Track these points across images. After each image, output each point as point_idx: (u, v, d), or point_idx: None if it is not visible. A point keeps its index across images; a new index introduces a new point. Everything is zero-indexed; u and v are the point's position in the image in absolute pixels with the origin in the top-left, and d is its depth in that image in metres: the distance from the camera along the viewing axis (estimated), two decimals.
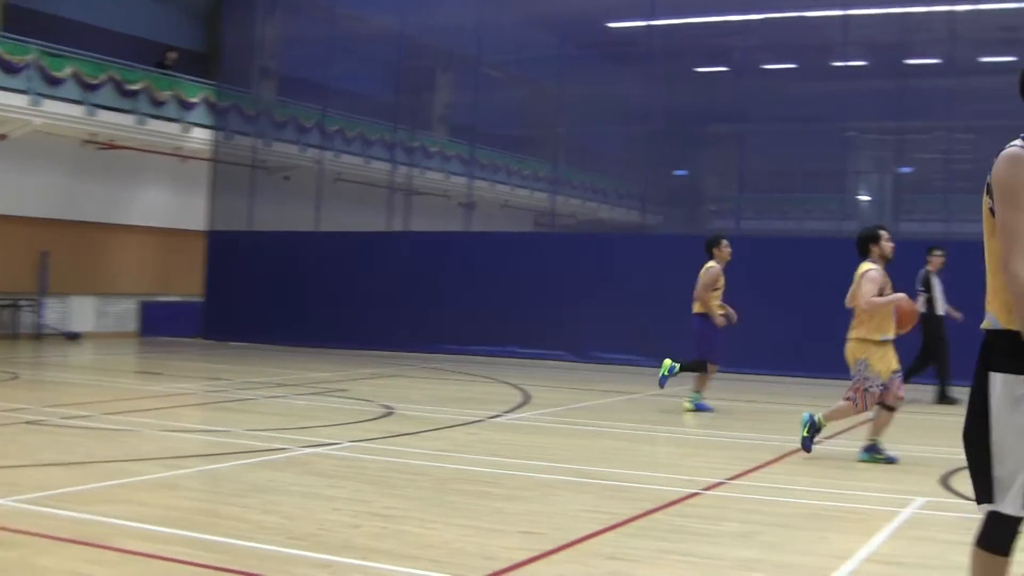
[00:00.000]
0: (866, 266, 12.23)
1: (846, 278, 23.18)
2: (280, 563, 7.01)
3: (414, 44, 33.54)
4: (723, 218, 31.53)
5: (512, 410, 16.32)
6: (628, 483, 10.27)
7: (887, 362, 12.04)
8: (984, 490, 4.92)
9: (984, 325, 4.88)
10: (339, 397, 17.47)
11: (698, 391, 17.07)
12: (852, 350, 12.16)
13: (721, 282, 16.82)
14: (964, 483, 10.80)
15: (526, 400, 17.84)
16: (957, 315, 18.61)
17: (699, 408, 16.91)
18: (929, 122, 28.12)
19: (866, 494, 10.18)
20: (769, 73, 30.97)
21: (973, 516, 9.36)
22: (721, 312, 16.86)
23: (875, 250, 12.29)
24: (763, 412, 17.78)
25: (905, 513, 9.28)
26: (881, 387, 12.00)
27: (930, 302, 18.83)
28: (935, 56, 28.73)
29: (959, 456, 12.14)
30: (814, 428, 12.17)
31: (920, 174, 29.95)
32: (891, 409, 12.20)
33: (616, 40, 33.07)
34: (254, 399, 17.17)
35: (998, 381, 4.73)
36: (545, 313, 26.19)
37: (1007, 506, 4.83)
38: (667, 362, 16.69)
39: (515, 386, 19.97)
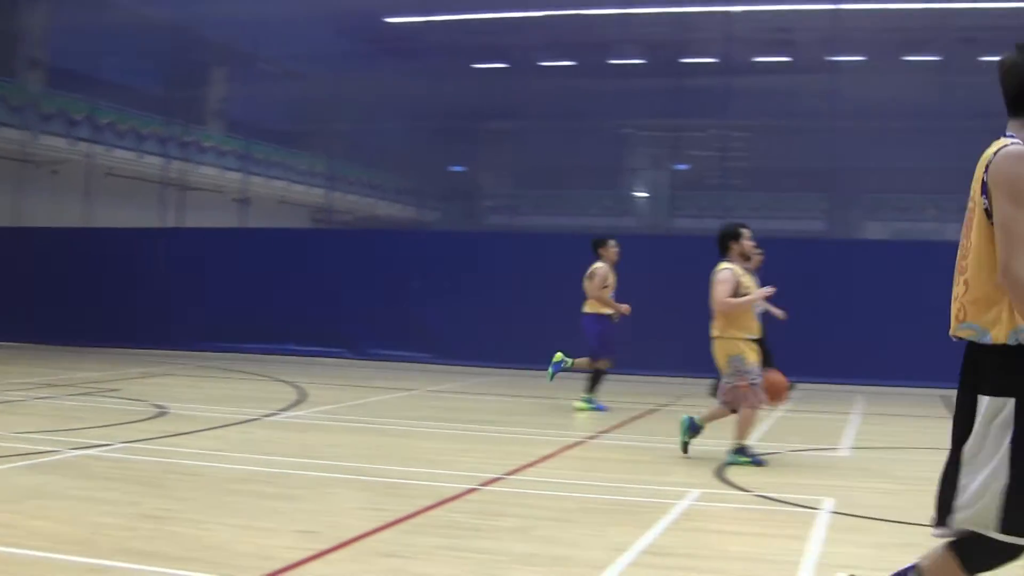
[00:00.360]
0: (721, 266, 12.08)
1: (624, 273, 23.57)
2: (51, 570, 6.75)
3: (188, 37, 32.94)
4: (499, 214, 31.73)
5: (288, 408, 16.12)
6: (405, 480, 10.20)
7: (756, 356, 11.98)
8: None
9: (965, 335, 4.61)
10: (110, 397, 17.01)
11: (570, 359, 17.28)
12: (723, 348, 11.93)
13: (610, 280, 17.13)
14: (738, 474, 11.02)
15: (302, 398, 17.64)
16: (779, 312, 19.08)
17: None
18: (704, 120, 28.69)
19: (643, 487, 10.27)
20: (547, 70, 31.27)
21: (747, 507, 9.58)
22: (613, 311, 17.17)
23: (735, 248, 12.15)
24: (539, 407, 17.87)
25: (681, 505, 9.38)
26: (759, 378, 11.90)
27: None
28: (711, 55, 29.31)
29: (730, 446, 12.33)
30: (743, 451, 11.83)
31: (695, 171, 30.56)
32: (735, 411, 12.08)
33: (394, 36, 32.99)
34: (22, 400, 16.61)
35: (984, 404, 4.48)
36: (322, 310, 25.93)
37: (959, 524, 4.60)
38: (580, 404, 17.18)
39: (291, 384, 19.74)
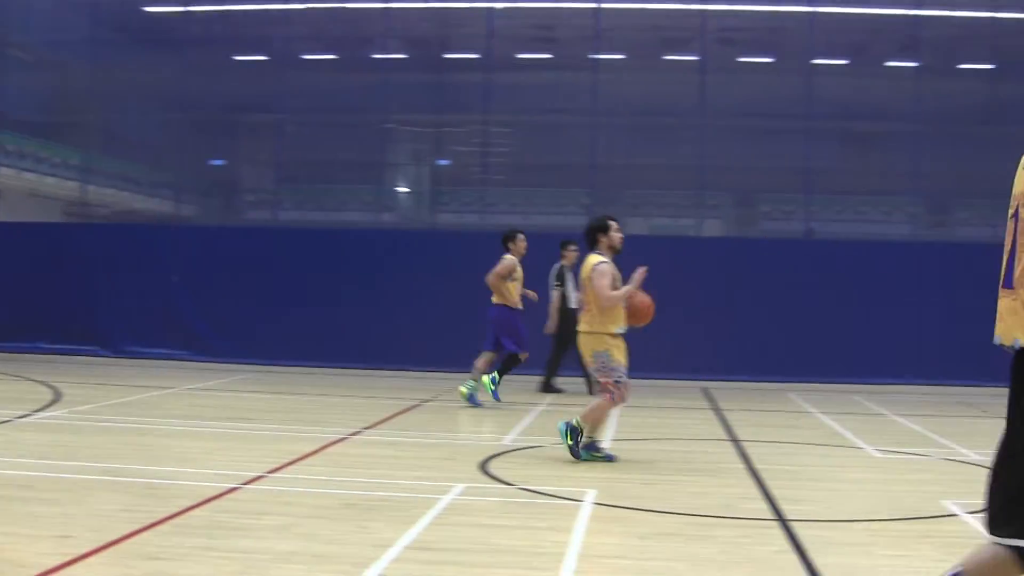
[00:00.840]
0: (595, 259, 12.01)
1: (384, 268, 23.57)
2: None
3: None
4: (260, 209, 31.39)
5: (42, 409, 15.66)
6: (166, 480, 10.00)
7: (623, 354, 11.95)
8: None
9: None
10: None
11: (476, 379, 17.58)
12: (589, 343, 11.90)
13: (518, 272, 17.60)
14: (501, 468, 11.10)
15: (57, 398, 17.15)
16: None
17: (472, 400, 17.42)
18: (466, 115, 28.87)
19: (407, 483, 10.26)
20: (308, 63, 31.04)
21: (511, 500, 9.64)
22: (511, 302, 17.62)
23: (604, 241, 12.10)
24: (302, 404, 17.75)
25: (446, 500, 9.39)
26: (625, 376, 11.87)
27: (564, 296, 19.38)
28: (473, 51, 29.48)
29: (497, 442, 12.45)
30: (575, 432, 11.86)
31: (457, 166, 30.70)
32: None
33: (152, 25, 32.34)
34: None
35: None
36: (76, 307, 25.24)
37: None
38: (486, 379, 17.27)
39: (45, 384, 19.18)
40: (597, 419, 12.01)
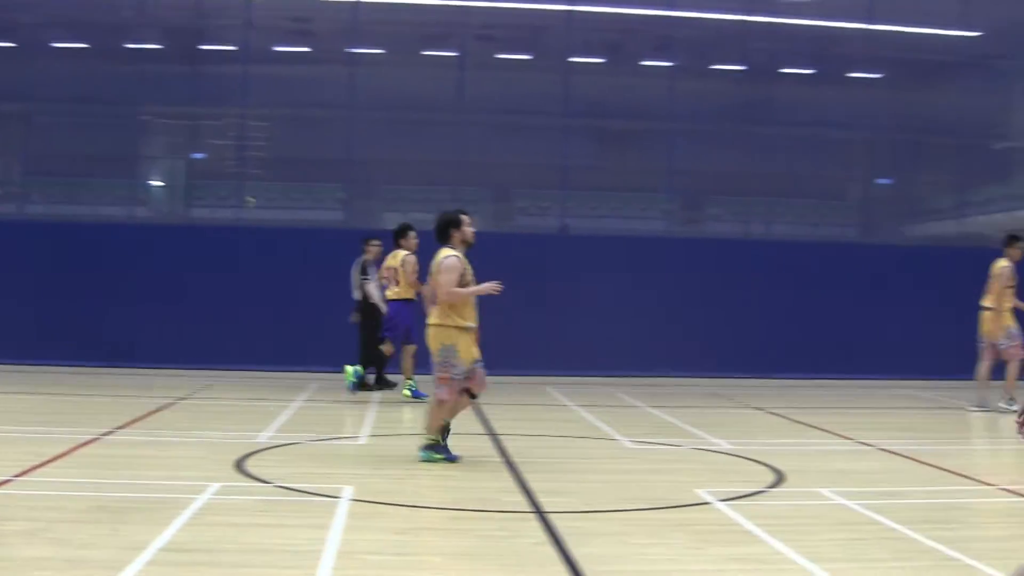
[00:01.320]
0: (445, 252, 11.85)
1: (137, 263, 23.11)
2: None
3: None
4: (7, 202, 30.37)
5: None
6: None
7: (471, 350, 11.78)
8: None
9: None
10: None
11: (410, 378, 18.37)
12: (437, 336, 11.70)
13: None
14: (257, 466, 10.98)
15: None
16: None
17: (416, 395, 18.01)
18: (222, 108, 28.48)
19: (159, 483, 10.08)
20: (59, 51, 30.19)
21: (267, 498, 9.55)
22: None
23: (456, 236, 11.94)
24: (52, 404, 17.32)
25: (200, 499, 9.24)
26: (463, 375, 11.70)
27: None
28: (230, 43, 29.09)
29: (253, 440, 12.34)
30: (436, 448, 11.70)
31: (212, 160, 30.21)
32: (474, 397, 12.03)
33: None
34: None
35: None
36: None
37: None
38: (349, 369, 18.35)
39: None
40: (439, 423, 11.87)
